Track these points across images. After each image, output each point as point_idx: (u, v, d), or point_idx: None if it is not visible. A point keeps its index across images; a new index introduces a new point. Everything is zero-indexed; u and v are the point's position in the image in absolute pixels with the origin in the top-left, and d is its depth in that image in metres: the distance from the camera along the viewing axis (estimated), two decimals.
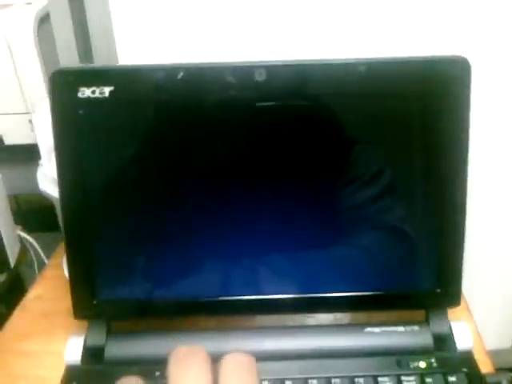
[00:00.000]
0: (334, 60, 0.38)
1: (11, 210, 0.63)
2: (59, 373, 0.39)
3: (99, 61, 0.54)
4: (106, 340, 0.40)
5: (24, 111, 0.61)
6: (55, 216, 0.61)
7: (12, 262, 0.61)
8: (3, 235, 0.59)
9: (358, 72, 0.37)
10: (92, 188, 0.38)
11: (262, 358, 0.38)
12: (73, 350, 0.40)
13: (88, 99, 0.36)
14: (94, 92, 0.36)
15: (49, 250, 0.61)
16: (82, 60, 0.54)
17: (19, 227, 0.66)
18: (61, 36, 0.53)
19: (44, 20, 0.59)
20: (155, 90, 0.37)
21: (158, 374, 0.38)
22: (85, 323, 0.41)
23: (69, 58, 0.53)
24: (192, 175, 0.39)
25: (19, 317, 0.48)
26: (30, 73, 0.59)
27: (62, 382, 0.38)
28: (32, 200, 0.70)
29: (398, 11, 0.51)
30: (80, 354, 0.39)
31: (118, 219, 0.40)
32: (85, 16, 0.53)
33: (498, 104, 0.56)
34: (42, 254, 0.66)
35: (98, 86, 0.36)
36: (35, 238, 0.67)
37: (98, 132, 0.38)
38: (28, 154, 0.55)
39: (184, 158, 0.39)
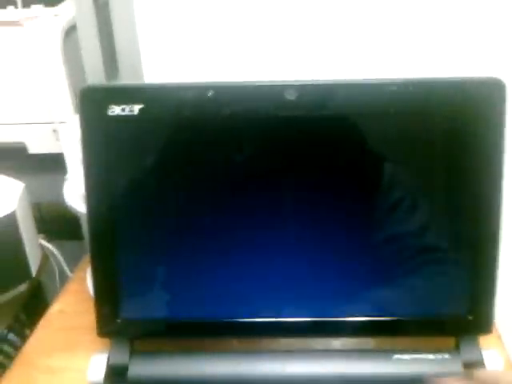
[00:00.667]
0: (365, 80, 0.37)
1: (34, 218, 0.63)
2: None
3: (125, 74, 0.54)
4: (130, 359, 0.40)
5: (48, 121, 0.62)
6: (77, 225, 0.61)
7: (33, 270, 0.61)
8: (25, 243, 0.59)
9: (391, 93, 0.37)
10: (119, 205, 0.38)
11: (285, 381, 0.38)
12: (96, 368, 0.39)
13: (117, 117, 0.36)
14: (123, 110, 0.36)
15: (70, 259, 0.62)
16: (107, 72, 0.54)
17: (41, 236, 0.66)
18: (87, 48, 0.54)
19: (70, 31, 0.59)
20: (185, 109, 0.37)
21: None
22: (108, 340, 0.41)
23: (94, 71, 0.54)
24: (221, 193, 0.39)
25: (42, 331, 0.48)
26: (55, 83, 0.59)
27: None
28: (55, 209, 0.70)
29: (431, 31, 0.50)
30: (103, 372, 0.39)
31: (144, 237, 0.39)
32: (111, 29, 0.53)
33: None
34: (64, 263, 0.66)
35: (127, 103, 0.36)
36: (57, 247, 0.67)
37: (127, 149, 0.37)
38: (51, 163, 0.55)
39: (213, 175, 0.38)
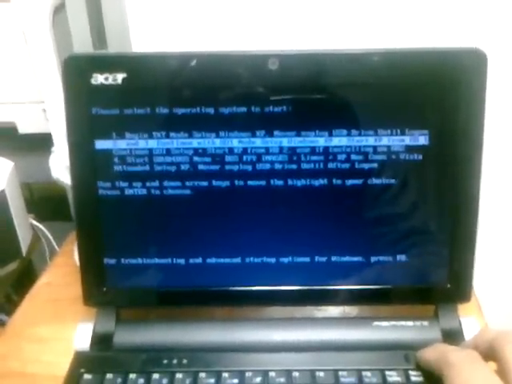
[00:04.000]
0: (346, 50, 0.37)
1: (24, 198, 0.63)
2: (69, 359, 0.39)
3: (113, 49, 0.54)
4: (115, 327, 0.40)
5: (38, 100, 0.62)
6: (68, 205, 0.61)
7: (24, 250, 0.61)
8: (15, 223, 0.59)
9: (373, 63, 0.37)
10: (104, 174, 0.38)
11: (269, 349, 0.39)
12: (82, 336, 0.40)
13: (101, 86, 0.36)
14: (106, 79, 0.36)
15: (61, 239, 0.62)
16: (96, 48, 0.54)
17: (31, 216, 0.67)
18: (75, 24, 0.54)
19: (59, 9, 0.59)
20: (168, 78, 0.37)
21: (165, 361, 0.38)
22: (94, 310, 0.41)
23: (83, 46, 0.54)
24: (207, 163, 0.39)
25: (30, 303, 0.49)
26: (45, 62, 0.59)
27: (70, 367, 0.38)
28: (45, 189, 0.70)
29: (413, 2, 0.51)
30: (89, 340, 0.40)
31: (129, 206, 0.40)
32: (100, 5, 0.53)
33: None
34: (54, 243, 0.66)
35: (111, 72, 0.36)
36: (47, 227, 0.67)
37: (110, 119, 0.38)
38: (42, 142, 0.55)
39: (197, 145, 0.39)
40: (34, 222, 0.66)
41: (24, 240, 0.62)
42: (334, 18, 0.52)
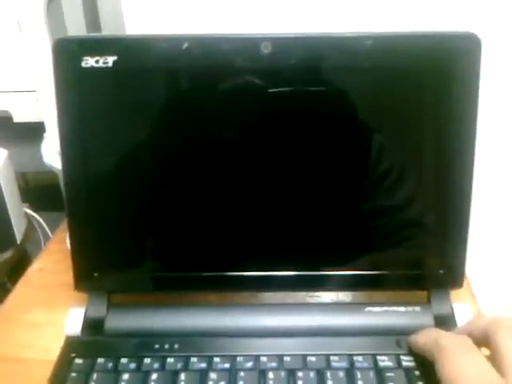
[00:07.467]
0: (340, 34, 0.37)
1: (18, 187, 0.63)
2: (61, 344, 0.39)
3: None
4: (107, 312, 0.40)
5: (33, 89, 0.61)
6: (62, 194, 0.61)
7: (18, 238, 0.61)
8: (10, 212, 0.59)
9: (368, 46, 0.37)
10: (94, 159, 0.38)
11: (261, 334, 0.39)
12: (73, 321, 0.40)
13: (92, 68, 0.36)
14: (97, 61, 0.36)
15: (55, 228, 0.62)
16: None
17: (26, 205, 0.67)
18: (70, 13, 0.54)
19: None
20: (159, 61, 0.37)
21: (157, 346, 0.38)
22: (86, 296, 0.41)
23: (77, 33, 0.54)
24: (196, 146, 0.39)
25: (22, 289, 0.49)
26: (39, 50, 0.59)
27: (61, 352, 0.38)
28: (39, 178, 0.70)
29: None
30: (80, 325, 0.40)
31: (119, 191, 0.39)
32: None
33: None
34: (49, 232, 0.66)
35: (101, 55, 0.36)
36: (42, 216, 0.67)
37: (101, 102, 0.37)
38: (36, 131, 0.55)
39: (187, 128, 0.39)
40: (29, 211, 0.66)
41: (18, 229, 0.61)
42: (327, 2, 0.51)
